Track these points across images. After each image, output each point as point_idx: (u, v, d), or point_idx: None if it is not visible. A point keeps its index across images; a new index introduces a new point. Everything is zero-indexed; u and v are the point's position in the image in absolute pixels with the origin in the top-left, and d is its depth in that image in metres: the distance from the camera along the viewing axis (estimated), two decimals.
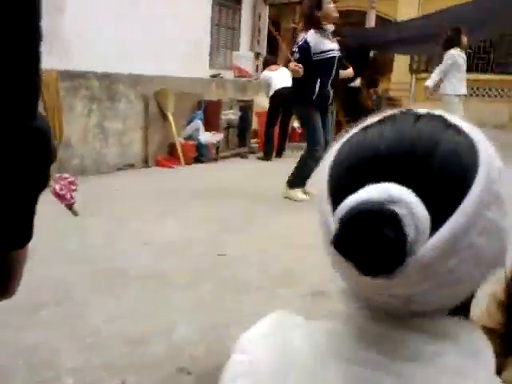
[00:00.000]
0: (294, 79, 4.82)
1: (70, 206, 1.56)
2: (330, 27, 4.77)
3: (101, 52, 8.12)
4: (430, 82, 7.14)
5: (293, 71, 4.70)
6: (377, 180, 0.50)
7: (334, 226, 0.50)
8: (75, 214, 1.58)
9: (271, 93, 7.57)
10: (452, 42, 6.96)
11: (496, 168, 0.53)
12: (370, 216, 0.46)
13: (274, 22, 14.71)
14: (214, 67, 10.99)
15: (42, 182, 0.76)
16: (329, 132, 4.99)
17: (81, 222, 4.05)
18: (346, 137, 0.57)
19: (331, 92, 4.86)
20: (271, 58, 8.96)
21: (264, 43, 11.98)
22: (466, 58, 7.13)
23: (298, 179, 4.93)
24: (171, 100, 6.77)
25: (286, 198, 5.00)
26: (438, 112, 0.55)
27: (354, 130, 0.57)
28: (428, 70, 15.02)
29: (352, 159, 0.54)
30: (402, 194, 0.48)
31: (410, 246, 0.47)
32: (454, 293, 0.53)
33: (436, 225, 0.49)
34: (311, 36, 4.65)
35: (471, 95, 13.01)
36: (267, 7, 12.84)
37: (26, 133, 0.69)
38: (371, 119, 0.57)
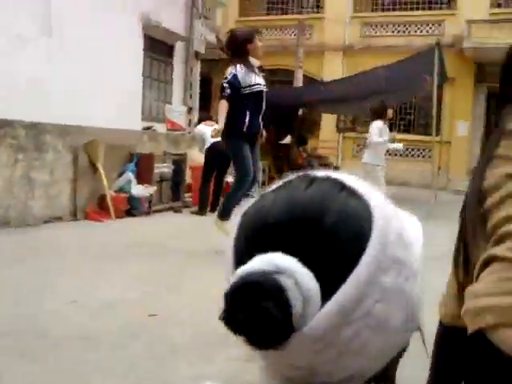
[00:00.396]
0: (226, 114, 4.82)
1: None
2: (256, 62, 4.87)
3: (27, 100, 7.91)
4: (378, 139, 7.39)
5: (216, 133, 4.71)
6: (268, 249, 0.48)
7: None
8: None
9: (206, 146, 7.60)
10: (377, 114, 7.40)
11: (393, 232, 0.50)
12: (253, 289, 0.44)
13: (206, 78, 15.00)
14: (146, 120, 10.97)
15: None
16: (256, 162, 5.05)
17: (2, 277, 3.81)
18: (248, 204, 0.55)
19: (261, 124, 4.93)
20: (205, 114, 9.07)
21: (196, 97, 12.14)
22: (388, 130, 7.59)
23: (228, 209, 4.91)
24: (101, 152, 6.63)
25: (220, 232, 4.84)
26: (335, 175, 0.54)
27: (256, 197, 0.56)
28: (354, 129, 15.78)
29: (249, 228, 0.52)
30: (288, 264, 0.46)
31: (297, 318, 0.45)
32: (361, 362, 0.50)
33: (329, 294, 0.47)
34: (239, 70, 4.71)
35: (395, 155, 13.71)
36: (199, 62, 13.10)
37: None
38: (271, 186, 0.56)
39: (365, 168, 7.43)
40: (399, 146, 7.94)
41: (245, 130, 4.76)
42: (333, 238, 0.48)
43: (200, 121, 8.42)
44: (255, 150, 5.04)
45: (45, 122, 6.14)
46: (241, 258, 0.51)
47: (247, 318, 0.45)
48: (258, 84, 4.80)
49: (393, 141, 7.54)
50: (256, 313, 0.44)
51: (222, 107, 4.72)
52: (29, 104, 7.74)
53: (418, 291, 0.52)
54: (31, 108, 7.45)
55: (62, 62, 8.84)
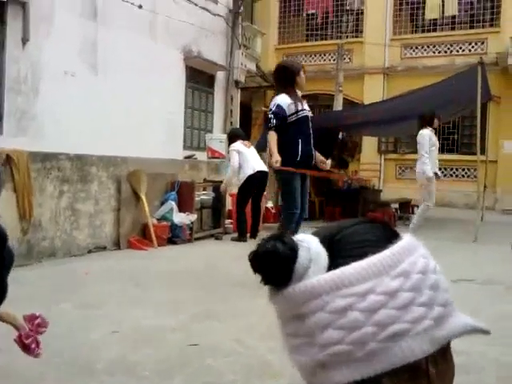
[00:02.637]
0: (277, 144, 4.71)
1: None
2: (299, 92, 4.86)
3: (74, 133, 8.18)
4: (427, 170, 7.19)
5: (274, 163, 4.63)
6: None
7: None
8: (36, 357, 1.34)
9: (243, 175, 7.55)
10: (425, 121, 7.26)
11: (419, 267, 0.59)
12: (276, 239, 0.58)
13: (246, 106, 15.17)
14: (188, 148, 11.16)
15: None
16: (305, 199, 4.94)
17: (47, 309, 3.88)
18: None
19: (314, 151, 4.84)
20: (236, 131, 8.42)
21: (237, 125, 12.29)
22: (436, 138, 7.43)
23: None
24: (144, 181, 6.75)
25: None
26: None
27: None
28: (396, 150, 15.57)
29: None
30: (310, 239, 0.60)
31: (302, 269, 0.56)
32: (346, 347, 0.55)
33: None
34: (282, 100, 4.67)
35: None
36: (239, 91, 13.29)
37: None
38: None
39: (421, 179, 7.21)
40: None
41: (299, 158, 4.68)
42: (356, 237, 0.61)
43: (231, 137, 7.79)
44: (305, 182, 4.93)
45: (90, 154, 6.32)
46: None
47: (262, 253, 0.57)
48: (303, 110, 4.76)
49: None
50: (268, 248, 0.57)
51: (273, 138, 4.66)
52: (74, 137, 8.01)
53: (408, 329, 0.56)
54: (77, 141, 7.70)
55: (108, 96, 9.13)
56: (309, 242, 0.58)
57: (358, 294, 0.55)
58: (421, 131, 7.25)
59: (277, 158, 4.63)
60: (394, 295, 0.55)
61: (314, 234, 0.63)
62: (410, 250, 0.59)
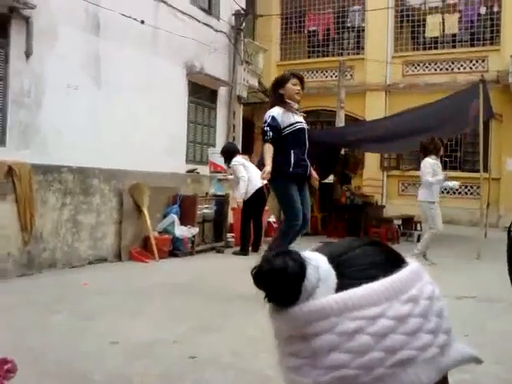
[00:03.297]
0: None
1: None
2: (295, 104, 4.76)
3: (76, 146, 8.21)
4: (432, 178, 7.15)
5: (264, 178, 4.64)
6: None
7: None
8: None
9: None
10: (427, 150, 7.17)
11: (426, 292, 0.59)
12: (284, 255, 0.56)
13: (248, 121, 15.23)
14: (190, 162, 11.19)
15: None
16: (306, 206, 4.81)
17: (45, 319, 3.85)
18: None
19: (307, 163, 4.77)
20: (232, 145, 8.70)
21: (239, 140, 12.34)
22: (440, 166, 7.30)
23: None
24: (146, 194, 6.74)
25: None
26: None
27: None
28: (398, 167, 15.58)
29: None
30: (317, 257, 0.58)
31: (310, 287, 0.55)
32: (357, 372, 0.53)
33: None
34: (276, 112, 4.62)
35: (442, 192, 13.41)
36: (241, 106, 13.35)
37: None
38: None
39: (423, 205, 7.16)
40: (455, 184, 7.47)
41: (291, 170, 4.63)
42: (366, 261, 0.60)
43: (230, 152, 7.91)
44: (304, 191, 4.84)
45: (92, 167, 6.32)
46: None
47: (269, 269, 0.55)
48: (298, 122, 4.70)
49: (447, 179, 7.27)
50: (277, 264, 0.55)
51: (268, 149, 4.61)
52: (77, 150, 8.03)
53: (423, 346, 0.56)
54: (79, 154, 7.72)
55: (111, 110, 9.17)
56: (317, 261, 0.57)
57: (369, 317, 0.54)
58: (424, 159, 7.17)
59: (268, 169, 4.58)
60: (404, 321, 0.55)
61: (320, 251, 0.61)
62: (418, 275, 0.59)
